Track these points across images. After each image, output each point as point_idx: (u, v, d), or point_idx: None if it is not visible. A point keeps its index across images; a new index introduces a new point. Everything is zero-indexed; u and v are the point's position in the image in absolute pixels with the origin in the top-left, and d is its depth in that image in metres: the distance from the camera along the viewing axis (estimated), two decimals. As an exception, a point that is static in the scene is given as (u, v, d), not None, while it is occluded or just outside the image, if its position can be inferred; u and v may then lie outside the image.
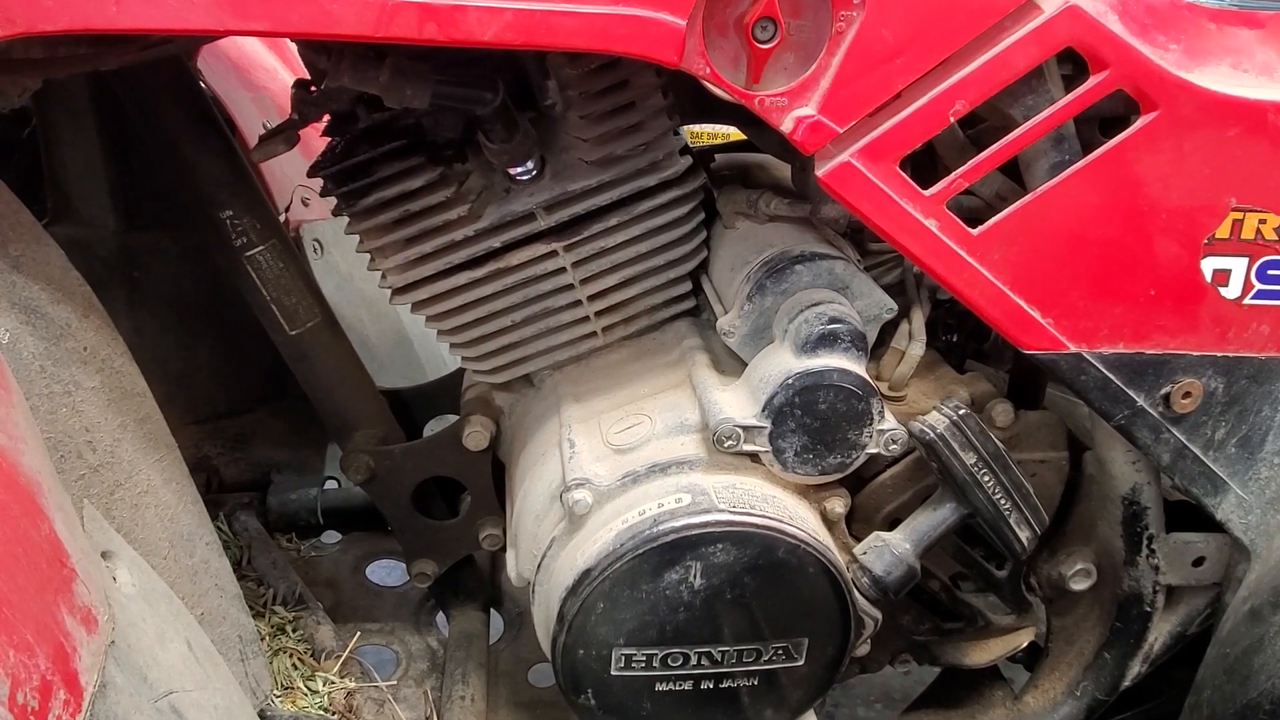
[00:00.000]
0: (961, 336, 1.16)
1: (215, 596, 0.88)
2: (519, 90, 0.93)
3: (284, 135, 0.93)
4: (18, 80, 0.83)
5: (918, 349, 0.99)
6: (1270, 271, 0.86)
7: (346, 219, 0.97)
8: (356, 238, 0.97)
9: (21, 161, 1.39)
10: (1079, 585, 1.06)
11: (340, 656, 1.09)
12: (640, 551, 0.82)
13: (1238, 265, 0.86)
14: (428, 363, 1.64)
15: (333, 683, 1.06)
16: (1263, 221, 0.85)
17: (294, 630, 1.14)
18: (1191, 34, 0.85)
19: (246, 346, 1.48)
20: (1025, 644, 1.08)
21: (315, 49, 0.86)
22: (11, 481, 0.56)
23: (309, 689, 1.06)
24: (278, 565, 1.23)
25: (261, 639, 1.11)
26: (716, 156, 1.25)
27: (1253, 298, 0.87)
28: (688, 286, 1.05)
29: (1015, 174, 0.91)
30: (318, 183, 0.95)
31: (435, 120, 0.92)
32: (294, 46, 1.63)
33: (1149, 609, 1.02)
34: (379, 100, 0.88)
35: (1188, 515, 0.99)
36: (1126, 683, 1.08)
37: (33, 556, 0.54)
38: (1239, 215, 0.85)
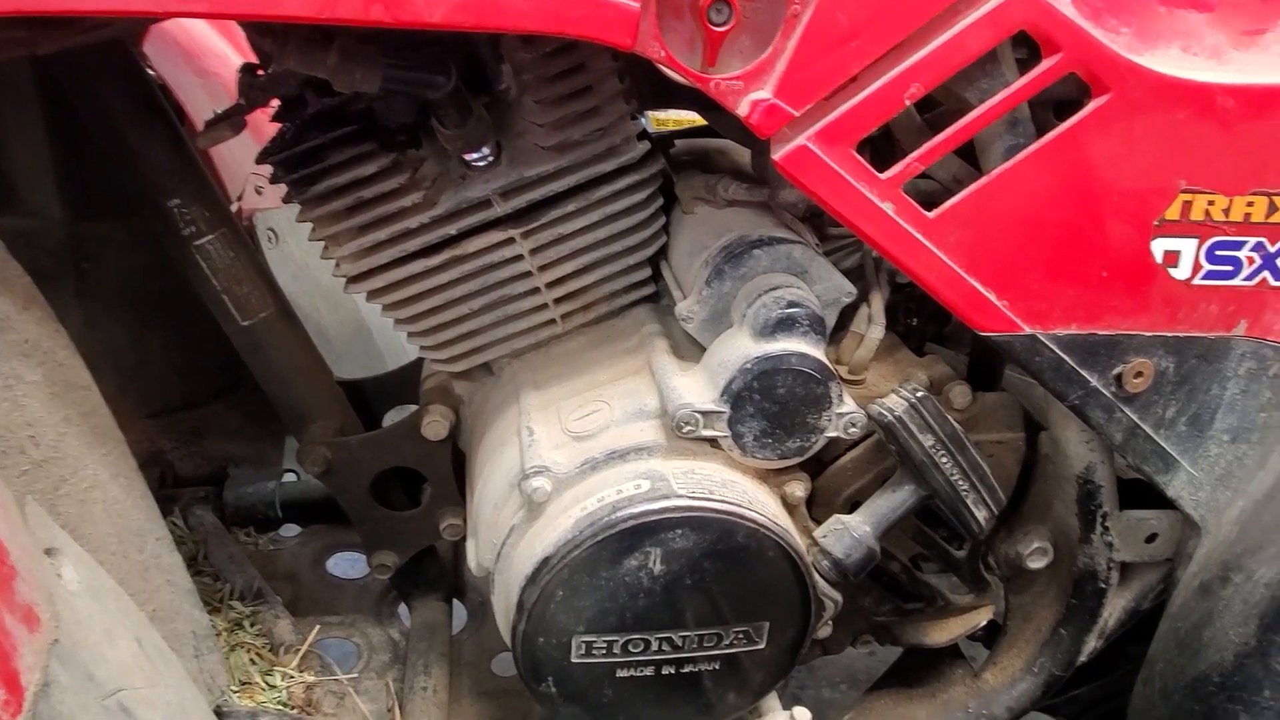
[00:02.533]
0: (921, 320, 1.17)
1: (167, 592, 0.86)
2: (473, 75, 0.91)
3: (230, 120, 0.91)
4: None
5: (877, 332, 0.99)
6: (1218, 252, 0.88)
7: (298, 207, 0.95)
8: (310, 226, 0.95)
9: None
10: (1036, 564, 1.07)
11: (299, 650, 1.08)
12: (599, 538, 0.81)
13: (1187, 246, 0.87)
14: (387, 352, 1.62)
15: (292, 677, 1.05)
16: (1211, 203, 0.86)
17: (252, 625, 1.12)
18: (1142, 17, 0.86)
19: (201, 338, 1.45)
20: (984, 623, 1.09)
21: (261, 31, 0.84)
22: (-55, 478, 0.55)
23: (267, 684, 1.04)
24: (235, 559, 1.21)
25: (218, 634, 1.09)
26: (676, 142, 1.24)
27: (1202, 278, 0.88)
28: (647, 273, 1.05)
29: (973, 159, 0.92)
30: (271, 170, 0.93)
31: (387, 105, 0.90)
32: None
33: (1104, 585, 1.04)
34: (329, 84, 0.87)
35: (1141, 493, 1.00)
36: (1082, 658, 1.09)
37: (-33, 555, 0.53)
38: (1189, 197, 0.86)
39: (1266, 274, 0.88)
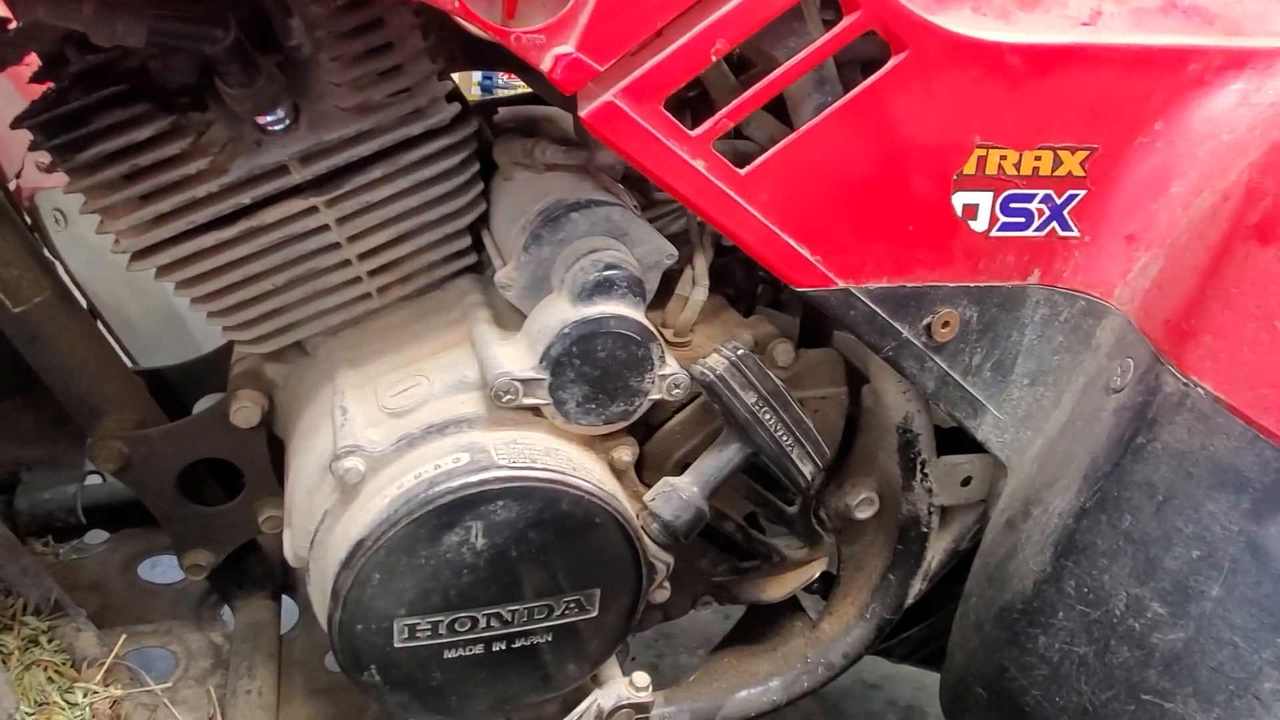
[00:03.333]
0: (754, 284, 1.18)
1: (-71, 611, 0.76)
2: (260, 30, 0.85)
3: (-27, 79, 0.81)
4: None
5: (700, 294, 0.99)
6: (1012, 205, 0.92)
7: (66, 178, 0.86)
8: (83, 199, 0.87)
9: None
10: (863, 514, 1.10)
11: (103, 663, 0.99)
12: (416, 516, 0.78)
13: (984, 200, 0.91)
14: (204, 338, 1.51)
15: (95, 693, 0.96)
16: (1004, 157, 0.90)
17: (49, 640, 1.02)
18: (936, -23, 0.88)
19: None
20: (818, 575, 1.12)
21: (2, -24, 0.75)
22: None
23: (67, 702, 0.95)
24: (29, 572, 1.10)
25: (9, 654, 0.99)
26: (500, 110, 1.21)
27: (998, 230, 0.92)
28: (467, 241, 1.01)
29: (789, 120, 0.93)
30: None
31: (163, 63, 0.83)
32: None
33: (926, 530, 1.08)
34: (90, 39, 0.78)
35: (956, 440, 1.05)
36: (910, 600, 1.14)
37: None
38: (983, 152, 0.89)
39: (1055, 225, 0.93)
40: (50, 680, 0.99)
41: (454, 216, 0.97)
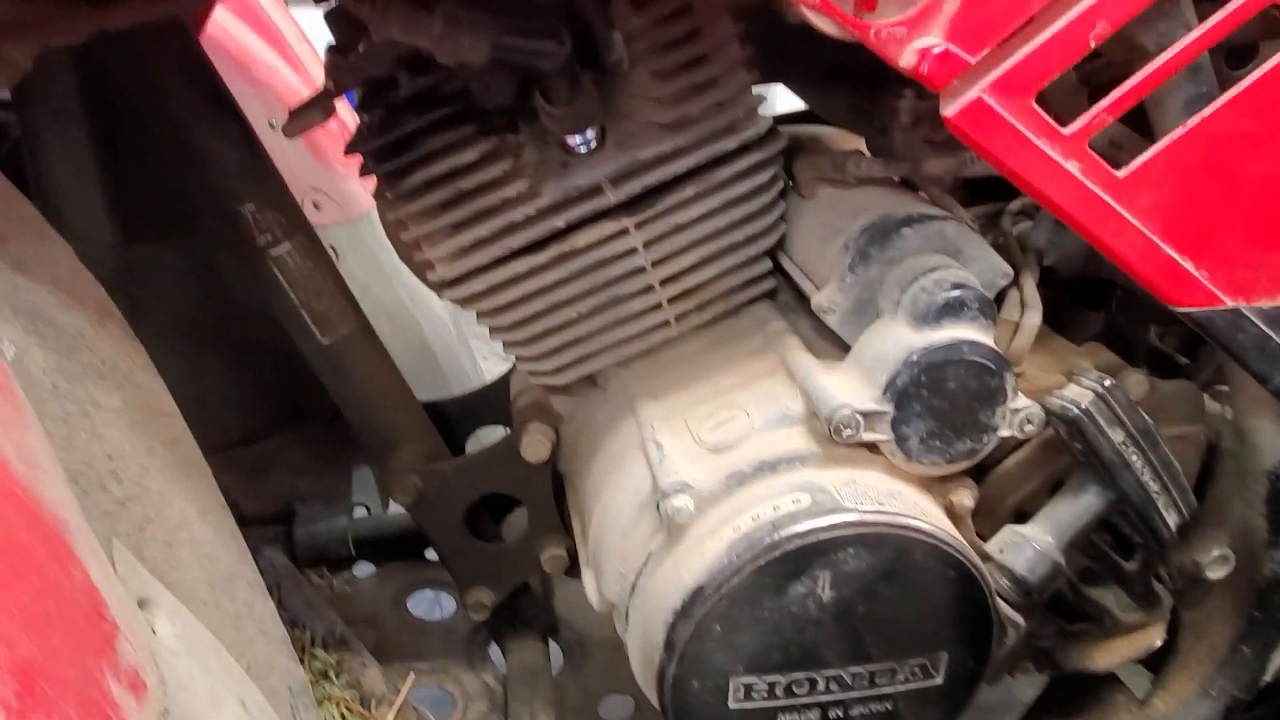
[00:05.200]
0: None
1: (262, 644, 0.75)
2: (580, 47, 0.82)
3: (320, 105, 0.81)
4: (7, 55, 0.71)
5: (1035, 318, 0.88)
6: None
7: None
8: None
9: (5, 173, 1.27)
10: (1216, 573, 0.95)
11: (394, 702, 0.97)
12: (760, 563, 0.70)
13: None
14: (453, 377, 1.52)
15: (391, 733, 0.94)
16: None
17: (339, 675, 1.02)
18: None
19: (260, 368, 1.37)
20: (1158, 643, 0.97)
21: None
22: (34, 519, 0.44)
23: (364, 741, 0.94)
24: (313, 604, 1.11)
25: (304, 688, 0.99)
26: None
27: None
28: (767, 265, 0.94)
29: (1126, 117, 0.81)
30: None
31: (485, 84, 0.80)
32: (294, 41, 1.51)
33: (1297, 595, 0.92)
34: (422, 65, 0.77)
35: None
36: (1267, 677, 0.98)
37: (68, 611, 0.42)
38: None
39: None
40: (342, 716, 0.98)
41: (759, 237, 0.91)
